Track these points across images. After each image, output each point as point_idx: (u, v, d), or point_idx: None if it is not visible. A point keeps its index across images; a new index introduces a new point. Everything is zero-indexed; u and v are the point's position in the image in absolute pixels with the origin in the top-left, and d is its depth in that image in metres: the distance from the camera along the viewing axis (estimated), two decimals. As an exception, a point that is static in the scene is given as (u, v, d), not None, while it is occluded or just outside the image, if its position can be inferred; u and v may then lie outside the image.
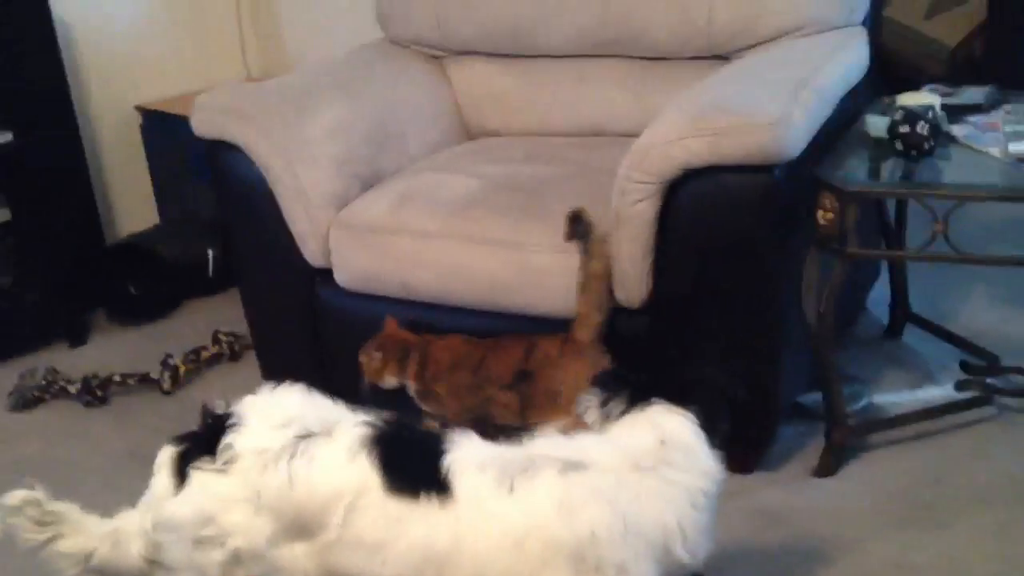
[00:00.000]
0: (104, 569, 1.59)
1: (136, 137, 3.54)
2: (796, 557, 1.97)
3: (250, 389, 2.70)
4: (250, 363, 2.92)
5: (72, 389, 2.78)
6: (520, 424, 2.14)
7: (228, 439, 1.50)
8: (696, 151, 1.95)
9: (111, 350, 3.11)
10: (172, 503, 1.51)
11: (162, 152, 3.52)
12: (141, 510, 1.57)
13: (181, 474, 1.51)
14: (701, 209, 2.00)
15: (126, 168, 3.53)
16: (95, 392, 2.77)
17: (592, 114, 2.69)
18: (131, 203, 3.56)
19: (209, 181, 3.29)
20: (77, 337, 3.15)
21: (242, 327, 3.01)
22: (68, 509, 1.60)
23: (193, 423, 2.62)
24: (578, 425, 1.90)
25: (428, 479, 1.43)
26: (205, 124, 2.49)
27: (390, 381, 2.31)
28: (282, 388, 1.58)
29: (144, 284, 3.29)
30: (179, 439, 1.57)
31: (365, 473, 1.44)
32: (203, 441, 1.53)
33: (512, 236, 2.23)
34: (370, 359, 2.29)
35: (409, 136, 2.69)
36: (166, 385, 2.79)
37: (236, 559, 1.47)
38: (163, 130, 3.46)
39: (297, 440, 1.48)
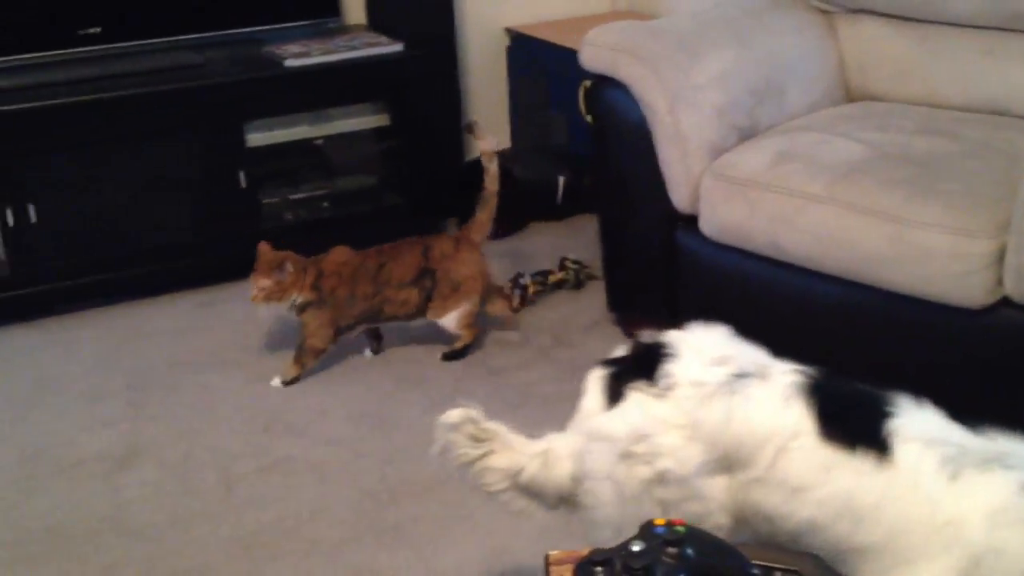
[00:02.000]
0: (530, 487, 1.66)
1: (502, 59, 3.68)
2: None
3: (590, 318, 2.83)
4: (591, 293, 3.02)
5: (429, 292, 2.96)
6: (416, 316, 2.68)
7: (667, 367, 1.53)
8: None
9: (459, 260, 3.29)
10: (606, 416, 1.55)
11: (522, 76, 3.64)
12: (571, 433, 1.63)
13: (612, 393, 1.56)
14: None
15: (489, 88, 3.69)
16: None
17: (995, 91, 2.53)
18: (488, 123, 3.69)
19: (562, 109, 3.41)
20: (431, 243, 3.34)
21: (585, 255, 3.11)
22: (500, 428, 1.67)
23: (535, 342, 2.79)
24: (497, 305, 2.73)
25: (868, 436, 1.40)
26: (595, 59, 2.55)
27: (291, 297, 2.60)
28: (708, 327, 1.60)
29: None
30: (607, 363, 1.61)
31: (800, 418, 1.44)
32: (635, 366, 1.57)
33: (900, 210, 2.15)
34: (279, 280, 2.56)
35: (789, 91, 2.64)
36: (515, 302, 2.92)
37: (661, 479, 1.51)
38: (526, 54, 3.58)
39: (733, 379, 1.50)
